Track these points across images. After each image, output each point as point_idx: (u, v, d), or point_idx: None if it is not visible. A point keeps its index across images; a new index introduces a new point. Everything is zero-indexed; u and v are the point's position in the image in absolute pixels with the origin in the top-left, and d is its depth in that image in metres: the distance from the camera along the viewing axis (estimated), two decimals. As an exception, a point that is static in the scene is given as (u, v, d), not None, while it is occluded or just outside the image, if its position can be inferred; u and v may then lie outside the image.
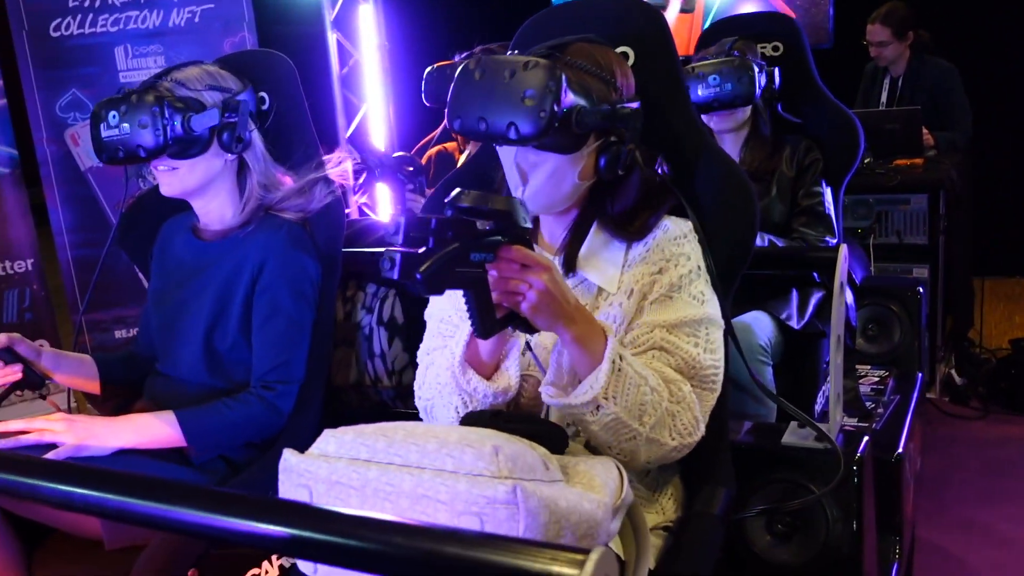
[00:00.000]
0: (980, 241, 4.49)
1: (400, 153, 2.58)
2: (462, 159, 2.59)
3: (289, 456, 1.06)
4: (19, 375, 1.55)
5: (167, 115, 1.49)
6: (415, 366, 1.45)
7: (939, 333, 3.34)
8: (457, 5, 5.03)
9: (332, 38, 4.09)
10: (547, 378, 1.22)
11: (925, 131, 3.60)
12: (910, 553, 2.14)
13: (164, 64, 4.05)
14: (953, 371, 3.61)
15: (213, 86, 1.58)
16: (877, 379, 2.29)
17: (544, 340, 1.27)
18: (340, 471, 1.02)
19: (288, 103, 1.73)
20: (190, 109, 1.52)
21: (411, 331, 2.04)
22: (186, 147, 1.55)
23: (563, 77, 1.14)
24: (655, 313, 1.27)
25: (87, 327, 4.19)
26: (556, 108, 1.13)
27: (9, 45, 4.05)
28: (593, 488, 1.06)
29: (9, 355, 1.53)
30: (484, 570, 0.65)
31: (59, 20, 3.93)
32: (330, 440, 1.07)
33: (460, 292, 1.08)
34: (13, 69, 3.95)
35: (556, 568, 0.63)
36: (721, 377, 1.29)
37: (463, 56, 2.48)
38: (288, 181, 1.70)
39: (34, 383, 1.58)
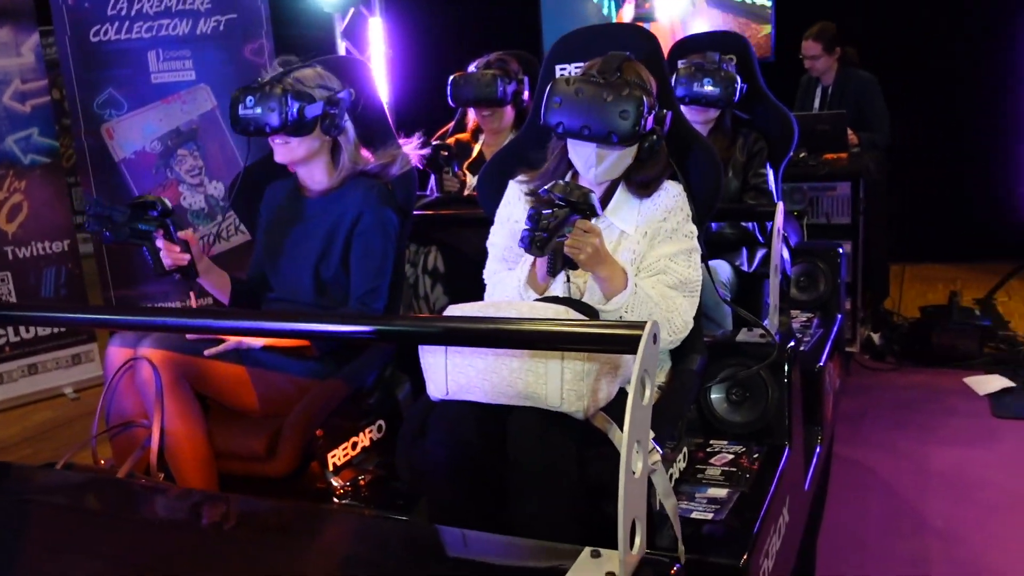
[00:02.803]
0: (901, 232, 5.20)
1: (438, 142, 3.15)
2: (477, 147, 3.18)
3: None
4: (186, 262, 2.07)
5: (288, 103, 2.03)
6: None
7: (859, 299, 4.00)
8: (452, 22, 5.62)
9: (341, 45, 4.64)
10: (587, 297, 1.82)
11: (850, 131, 4.28)
12: (829, 449, 2.77)
13: (191, 67, 4.58)
14: (871, 333, 4.31)
15: (322, 85, 2.12)
16: (806, 318, 2.94)
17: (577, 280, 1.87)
18: (464, 325, 1.60)
19: (369, 98, 2.30)
20: (304, 101, 2.07)
21: (451, 277, 2.63)
22: (298, 128, 2.07)
23: (645, 102, 1.74)
24: (662, 247, 1.88)
25: (116, 303, 4.66)
26: (642, 123, 1.73)
27: (52, 48, 4.53)
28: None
29: (186, 247, 2.06)
30: (579, 336, 1.25)
31: (98, 27, 4.42)
32: (454, 309, 1.65)
33: (521, 230, 1.70)
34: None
35: (627, 331, 1.22)
36: (700, 287, 1.90)
37: (479, 63, 3.06)
38: (370, 157, 2.26)
39: (190, 274, 2.10)
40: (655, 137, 1.85)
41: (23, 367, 4.51)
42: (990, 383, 3.83)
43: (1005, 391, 3.73)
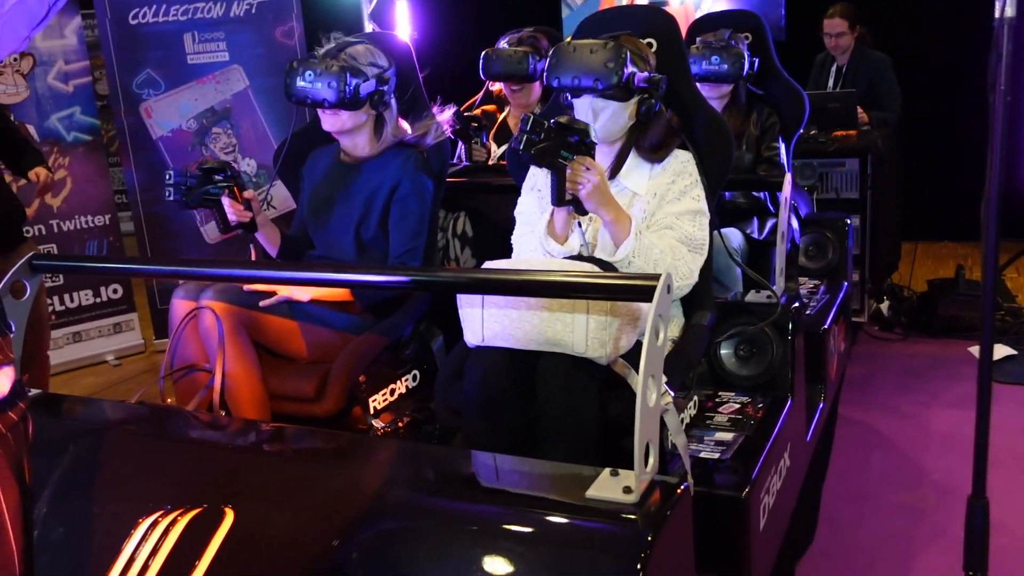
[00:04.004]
0: (915, 211, 5.32)
1: (468, 113, 3.32)
2: (502, 116, 3.36)
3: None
4: (248, 219, 2.27)
5: (347, 80, 2.21)
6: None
7: (866, 271, 4.15)
8: (472, 4, 5.79)
9: (368, 27, 4.80)
10: (598, 249, 2.00)
11: (860, 110, 4.42)
12: (833, 406, 2.94)
13: (225, 48, 4.77)
14: (881, 305, 4.46)
15: (373, 63, 2.30)
16: (813, 285, 3.11)
17: (591, 228, 2.04)
18: (499, 276, 1.78)
19: (408, 73, 2.48)
20: (360, 78, 2.24)
21: (478, 241, 2.81)
22: (351, 103, 2.26)
23: (627, 54, 1.91)
24: (669, 207, 2.05)
25: (155, 273, 4.88)
26: (623, 72, 1.90)
27: (93, 31, 4.72)
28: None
29: (248, 205, 2.26)
30: (603, 286, 1.43)
31: (137, 9, 4.63)
32: (489, 265, 1.83)
33: (548, 189, 1.88)
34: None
35: (645, 282, 1.40)
36: (707, 247, 2.07)
37: (510, 38, 3.21)
38: (407, 128, 2.44)
39: (251, 229, 2.30)
40: (652, 100, 2.01)
41: (68, 335, 4.74)
42: (994, 351, 3.97)
43: (1007, 359, 3.89)
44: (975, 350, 4.04)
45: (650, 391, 1.37)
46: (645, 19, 2.20)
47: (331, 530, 1.37)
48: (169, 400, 2.12)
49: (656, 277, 1.37)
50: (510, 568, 1.24)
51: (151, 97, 4.72)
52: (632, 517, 1.28)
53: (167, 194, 2.15)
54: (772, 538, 2.02)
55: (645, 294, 1.37)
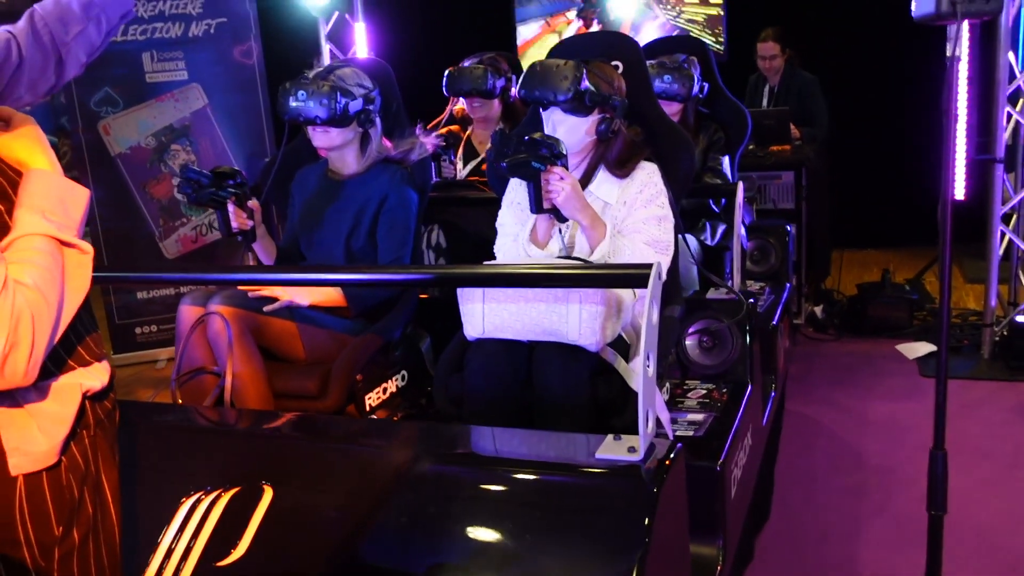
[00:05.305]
0: (841, 220, 5.68)
1: (436, 133, 3.49)
2: (466, 135, 3.55)
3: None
4: (249, 227, 2.42)
5: (337, 99, 2.38)
6: None
7: (803, 276, 4.46)
8: (428, 25, 5.99)
9: (326, 48, 4.96)
10: (576, 251, 2.21)
11: (793, 126, 4.75)
12: (781, 395, 3.20)
13: (184, 67, 4.86)
14: (815, 308, 4.79)
15: (359, 84, 2.47)
16: (759, 287, 3.37)
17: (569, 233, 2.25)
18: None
19: (391, 96, 2.65)
20: (349, 98, 2.42)
21: (452, 252, 3.00)
22: (340, 121, 2.42)
23: (584, 71, 2.12)
24: (637, 213, 2.27)
25: (112, 289, 4.92)
26: (578, 86, 2.11)
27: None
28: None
29: (251, 215, 2.40)
30: (604, 277, 1.63)
31: (95, 29, 4.67)
32: (484, 262, 2.02)
33: (526, 200, 2.08)
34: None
35: (635, 272, 1.60)
36: (672, 248, 2.29)
37: (473, 60, 3.41)
38: (391, 146, 2.62)
39: (249, 238, 2.45)
40: (609, 118, 2.21)
41: None
42: (918, 349, 4.32)
43: (931, 355, 4.22)
44: (902, 348, 4.38)
45: (649, 364, 1.57)
46: (611, 44, 2.44)
47: (371, 497, 1.53)
48: (180, 401, 2.24)
49: (649, 267, 1.58)
50: (537, 519, 1.43)
51: (109, 115, 4.77)
52: (639, 473, 1.48)
53: (178, 186, 2.29)
54: (740, 508, 2.25)
55: (641, 282, 1.58)
